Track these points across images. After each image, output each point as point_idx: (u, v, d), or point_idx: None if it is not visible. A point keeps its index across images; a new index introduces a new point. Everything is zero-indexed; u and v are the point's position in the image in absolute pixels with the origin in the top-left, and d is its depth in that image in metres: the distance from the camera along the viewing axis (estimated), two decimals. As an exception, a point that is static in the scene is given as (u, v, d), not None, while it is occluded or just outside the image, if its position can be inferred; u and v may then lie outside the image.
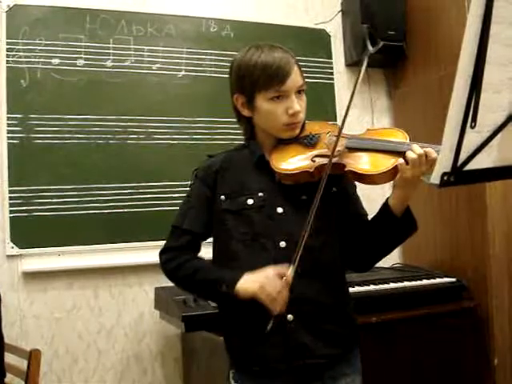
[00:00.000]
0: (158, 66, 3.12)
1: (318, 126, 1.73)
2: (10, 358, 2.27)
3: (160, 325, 3.01)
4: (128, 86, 3.05)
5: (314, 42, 3.50)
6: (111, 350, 2.99)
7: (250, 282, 1.54)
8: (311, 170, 1.59)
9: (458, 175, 1.07)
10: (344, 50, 3.60)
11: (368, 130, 1.75)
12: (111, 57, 3.03)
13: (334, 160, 1.56)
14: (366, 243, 1.69)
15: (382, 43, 1.27)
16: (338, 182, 1.67)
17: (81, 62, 2.97)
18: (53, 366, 2.87)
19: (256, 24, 3.35)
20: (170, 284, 1.99)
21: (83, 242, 2.89)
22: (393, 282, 2.86)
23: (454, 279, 2.94)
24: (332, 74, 3.53)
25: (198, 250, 1.75)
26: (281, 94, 1.61)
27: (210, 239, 1.75)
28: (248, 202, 1.65)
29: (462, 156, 1.05)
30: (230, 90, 1.73)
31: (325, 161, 1.57)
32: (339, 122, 3.56)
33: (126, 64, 3.06)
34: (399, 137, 1.64)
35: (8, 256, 2.81)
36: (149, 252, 2.96)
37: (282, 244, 1.61)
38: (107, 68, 3.02)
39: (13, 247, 2.79)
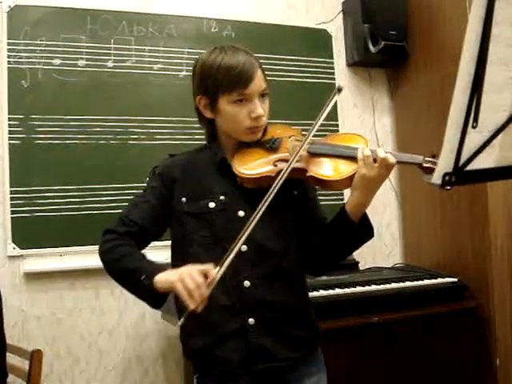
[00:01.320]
0: (159, 66, 3.12)
1: (279, 130, 1.72)
2: (11, 359, 2.27)
3: (161, 325, 3.01)
4: (129, 86, 3.05)
5: (315, 42, 3.50)
6: (113, 350, 2.99)
7: (169, 274, 1.50)
8: (273, 175, 1.58)
9: (460, 175, 1.07)
10: (345, 49, 3.60)
11: (329, 135, 1.76)
12: (112, 57, 3.03)
13: (296, 165, 1.56)
14: (323, 248, 1.68)
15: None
16: (298, 185, 1.68)
17: (82, 62, 2.97)
18: (54, 366, 2.87)
19: (257, 24, 3.35)
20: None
21: (84, 242, 2.89)
22: (394, 282, 2.86)
23: (455, 279, 2.94)
24: (333, 73, 3.52)
25: (142, 243, 1.70)
26: (244, 98, 1.60)
27: (169, 242, 1.74)
28: (209, 205, 1.64)
29: (464, 156, 1.06)
30: (192, 91, 1.72)
31: (286, 165, 1.56)
32: (340, 122, 3.57)
33: (127, 64, 3.06)
34: (360, 142, 1.64)
35: (9, 256, 2.81)
36: (150, 252, 2.94)
37: (244, 248, 1.57)
38: (108, 68, 3.02)
39: (14, 248, 2.79)
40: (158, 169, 1.75)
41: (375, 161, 1.51)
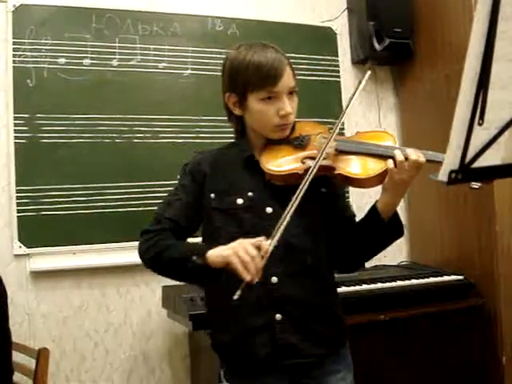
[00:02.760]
0: (163, 64, 3.13)
1: (308, 127, 1.73)
2: (18, 357, 2.28)
3: (167, 323, 3.02)
4: (134, 85, 3.05)
5: (320, 39, 3.50)
6: (119, 348, 3.00)
7: (222, 249, 1.51)
8: (300, 172, 1.59)
9: (466, 173, 1.07)
10: (350, 47, 3.60)
11: (358, 132, 1.75)
12: (117, 56, 3.03)
13: (324, 162, 1.57)
14: (352, 245, 1.69)
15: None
16: (327, 182, 1.67)
17: (87, 61, 2.97)
18: (61, 364, 2.88)
19: (262, 22, 3.35)
20: (178, 282, 1.99)
21: (91, 240, 2.90)
22: (400, 279, 2.86)
23: (461, 277, 2.94)
24: (338, 71, 3.52)
25: (178, 239, 1.70)
26: (272, 95, 1.61)
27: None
28: (237, 201, 1.65)
29: (470, 153, 1.05)
30: (221, 88, 1.72)
31: (314, 163, 1.57)
32: (346, 119, 3.56)
33: (131, 63, 3.06)
34: (389, 140, 1.65)
35: (16, 255, 2.82)
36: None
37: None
38: (113, 67, 3.02)
39: (20, 246, 2.80)
40: (188, 166, 1.75)
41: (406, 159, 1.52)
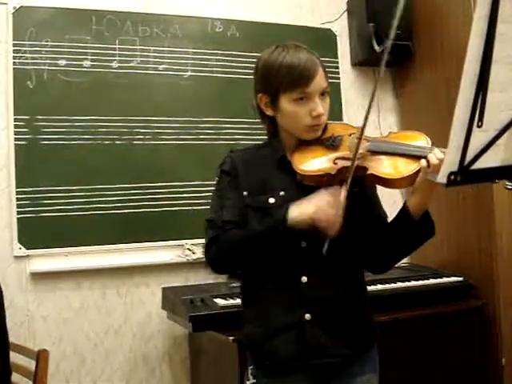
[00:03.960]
0: (164, 66, 3.13)
1: (340, 128, 1.74)
2: (17, 359, 2.28)
3: (167, 325, 3.01)
4: (134, 86, 3.06)
5: (319, 41, 3.49)
6: (119, 350, 3.00)
7: (302, 208, 1.53)
8: (333, 173, 1.60)
9: (465, 175, 1.07)
10: (350, 49, 3.60)
11: (390, 133, 1.76)
12: (117, 58, 3.03)
13: (357, 163, 1.56)
14: (385, 245, 1.69)
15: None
16: (358, 183, 1.66)
17: (87, 63, 2.97)
18: (60, 366, 2.88)
19: (262, 24, 3.35)
20: (177, 284, 1.99)
21: (90, 242, 2.90)
22: (400, 281, 2.86)
23: (461, 278, 2.94)
24: (338, 73, 3.52)
25: None
26: (305, 96, 1.62)
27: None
28: (269, 200, 1.66)
29: (469, 155, 1.05)
30: (253, 89, 1.73)
31: (347, 163, 1.57)
32: (345, 121, 3.56)
33: (132, 65, 3.06)
34: (421, 141, 1.65)
35: (16, 257, 2.82)
36: (156, 252, 2.97)
37: (303, 244, 1.62)
38: (113, 69, 3.02)
39: (20, 248, 2.80)
40: (224, 166, 1.77)
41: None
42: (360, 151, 1.57)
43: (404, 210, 1.62)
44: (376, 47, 3.35)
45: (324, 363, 1.63)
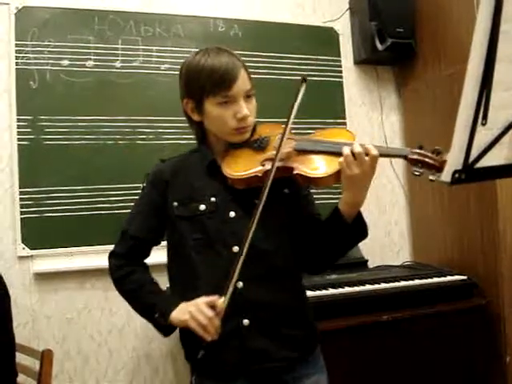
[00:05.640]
0: (166, 66, 3.13)
1: (268, 129, 1.72)
2: (22, 359, 2.28)
3: (171, 324, 3.01)
4: (137, 86, 3.06)
5: (322, 40, 3.50)
6: (122, 350, 3.00)
7: (181, 312, 1.57)
8: (260, 175, 1.59)
9: (469, 173, 1.07)
10: (352, 47, 3.60)
11: (317, 131, 1.74)
12: (120, 57, 3.04)
13: (282, 163, 1.57)
14: (318, 246, 1.67)
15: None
16: (289, 183, 1.66)
17: (90, 63, 2.98)
18: (64, 366, 2.88)
19: (264, 23, 3.35)
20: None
21: (94, 242, 2.90)
22: (403, 280, 2.86)
23: (464, 277, 2.93)
24: (341, 72, 3.52)
25: (147, 255, 1.81)
26: (228, 99, 1.61)
27: (164, 243, 1.76)
28: (200, 207, 1.64)
29: (473, 154, 1.05)
30: (179, 95, 1.73)
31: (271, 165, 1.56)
32: (348, 120, 3.56)
33: (134, 64, 3.06)
34: (347, 137, 1.63)
35: (19, 257, 2.82)
36: (159, 252, 2.95)
37: (235, 249, 1.59)
38: (116, 69, 3.03)
39: (24, 248, 2.81)
40: (150, 176, 1.77)
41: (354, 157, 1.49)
42: (286, 151, 1.58)
43: (335, 211, 1.59)
44: (378, 46, 3.35)
45: (265, 368, 1.61)
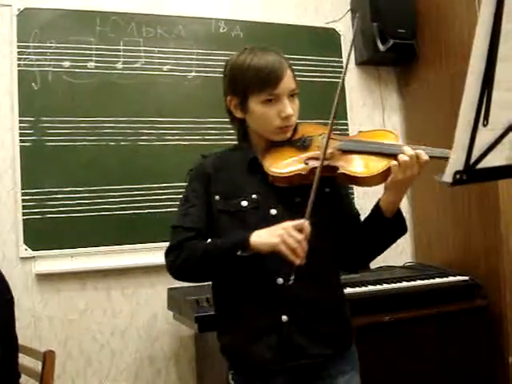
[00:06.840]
0: (168, 67, 3.13)
1: (311, 128, 1.74)
2: (24, 360, 2.28)
3: (173, 325, 3.02)
4: (139, 87, 3.06)
5: (324, 41, 3.50)
6: (125, 351, 3.00)
7: (266, 236, 1.52)
8: (304, 173, 1.60)
9: (471, 173, 1.07)
10: (354, 48, 3.59)
11: (360, 132, 1.76)
12: (122, 59, 3.04)
13: (327, 162, 1.58)
14: (358, 244, 1.69)
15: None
16: (330, 182, 1.67)
17: (92, 64, 2.98)
18: (67, 367, 2.89)
19: (266, 24, 3.36)
20: (183, 284, 1.99)
21: (96, 243, 2.91)
22: (406, 280, 2.85)
23: (466, 278, 2.93)
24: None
25: None
26: (273, 98, 1.62)
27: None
28: (242, 203, 1.65)
29: (475, 154, 1.05)
30: (223, 91, 1.74)
31: (318, 163, 1.57)
32: (350, 120, 3.56)
33: (136, 66, 3.07)
34: (391, 138, 1.65)
35: (21, 258, 2.83)
36: (161, 253, 2.96)
37: None
38: (118, 70, 3.03)
39: (26, 249, 2.81)
40: (193, 171, 1.76)
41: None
42: (330, 151, 1.59)
43: (376, 208, 1.62)
44: (380, 46, 3.35)
45: (302, 365, 1.62)
